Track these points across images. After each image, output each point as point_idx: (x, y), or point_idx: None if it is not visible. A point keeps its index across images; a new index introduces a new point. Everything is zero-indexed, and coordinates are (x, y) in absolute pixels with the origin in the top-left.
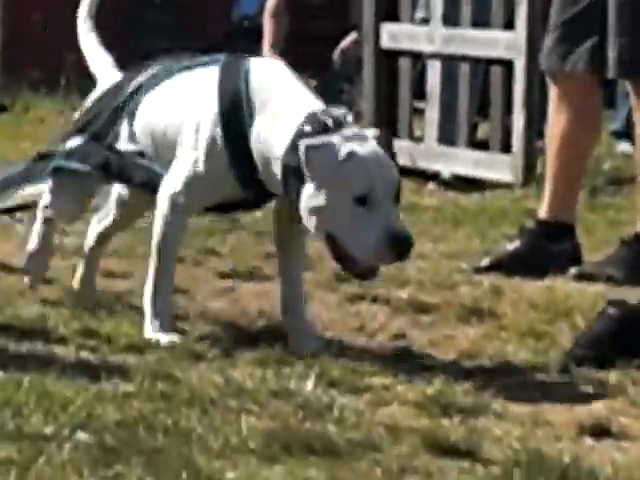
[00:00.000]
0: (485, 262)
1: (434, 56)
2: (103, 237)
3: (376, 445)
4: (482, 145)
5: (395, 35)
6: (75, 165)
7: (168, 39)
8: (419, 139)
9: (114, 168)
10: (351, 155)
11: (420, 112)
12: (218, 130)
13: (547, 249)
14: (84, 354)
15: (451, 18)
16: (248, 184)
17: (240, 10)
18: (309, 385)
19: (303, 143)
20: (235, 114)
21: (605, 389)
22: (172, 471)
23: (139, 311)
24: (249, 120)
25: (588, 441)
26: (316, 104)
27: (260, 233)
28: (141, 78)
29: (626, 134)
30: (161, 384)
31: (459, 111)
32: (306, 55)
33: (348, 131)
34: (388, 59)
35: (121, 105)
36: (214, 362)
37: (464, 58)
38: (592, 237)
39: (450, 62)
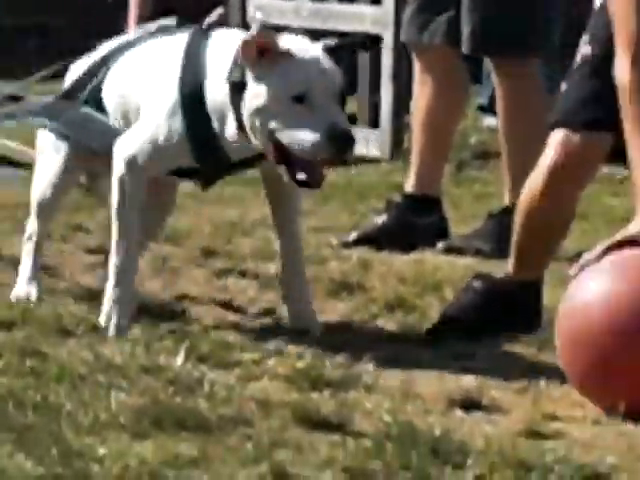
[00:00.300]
0: (353, 236)
1: (301, 30)
2: None
3: (247, 420)
4: (350, 120)
5: (262, 8)
6: (41, 121)
7: None
8: None
9: (76, 126)
10: (290, 56)
11: None
12: (177, 95)
13: (413, 223)
14: None
15: None
16: (203, 150)
17: None
18: (179, 360)
19: (240, 46)
20: (194, 81)
21: (474, 362)
22: (42, 447)
23: (9, 288)
24: (202, 77)
25: (458, 414)
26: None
27: None
28: (113, 45)
29: (491, 109)
30: (30, 360)
31: None
32: None
33: (291, 37)
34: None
35: (92, 70)
36: (83, 338)
37: (331, 33)
38: (459, 211)
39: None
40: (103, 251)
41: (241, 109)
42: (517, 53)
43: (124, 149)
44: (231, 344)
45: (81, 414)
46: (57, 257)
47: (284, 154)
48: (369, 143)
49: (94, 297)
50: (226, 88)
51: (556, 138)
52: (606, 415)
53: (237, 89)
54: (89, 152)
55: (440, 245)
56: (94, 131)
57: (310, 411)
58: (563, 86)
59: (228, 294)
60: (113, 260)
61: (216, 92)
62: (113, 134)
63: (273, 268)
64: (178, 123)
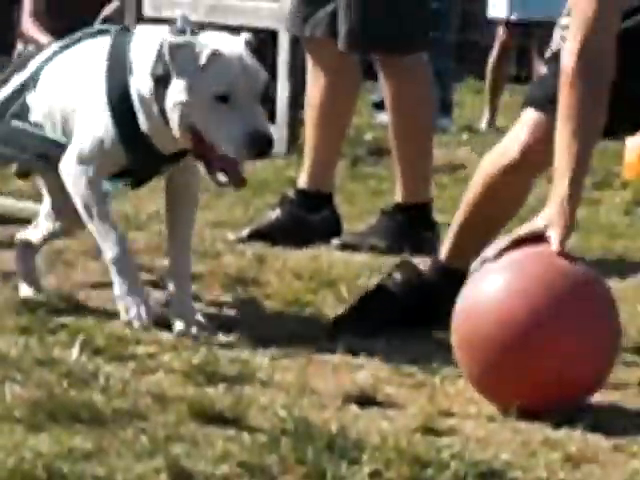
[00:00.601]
0: (247, 231)
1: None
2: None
3: (142, 413)
4: None
5: (158, 3)
6: None
7: None
8: None
9: (8, 137)
10: (214, 54)
11: None
12: (105, 96)
13: (306, 218)
14: None
15: None
16: (134, 147)
17: None
18: (74, 353)
19: (166, 43)
20: (119, 80)
21: (370, 358)
22: None
23: None
24: (128, 73)
25: (354, 409)
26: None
27: None
28: (44, 53)
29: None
30: None
31: None
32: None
33: (214, 34)
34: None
35: (26, 79)
36: None
37: (228, 28)
38: (354, 207)
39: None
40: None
41: (165, 103)
42: (396, 49)
43: (69, 166)
44: (126, 337)
45: None
46: None
47: (204, 150)
48: None
49: None
50: (150, 83)
51: (528, 118)
52: (501, 413)
53: (161, 83)
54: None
55: (335, 241)
56: (29, 144)
57: (205, 406)
58: (543, 69)
59: None
60: (108, 261)
61: (141, 88)
62: (49, 144)
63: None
64: (108, 124)
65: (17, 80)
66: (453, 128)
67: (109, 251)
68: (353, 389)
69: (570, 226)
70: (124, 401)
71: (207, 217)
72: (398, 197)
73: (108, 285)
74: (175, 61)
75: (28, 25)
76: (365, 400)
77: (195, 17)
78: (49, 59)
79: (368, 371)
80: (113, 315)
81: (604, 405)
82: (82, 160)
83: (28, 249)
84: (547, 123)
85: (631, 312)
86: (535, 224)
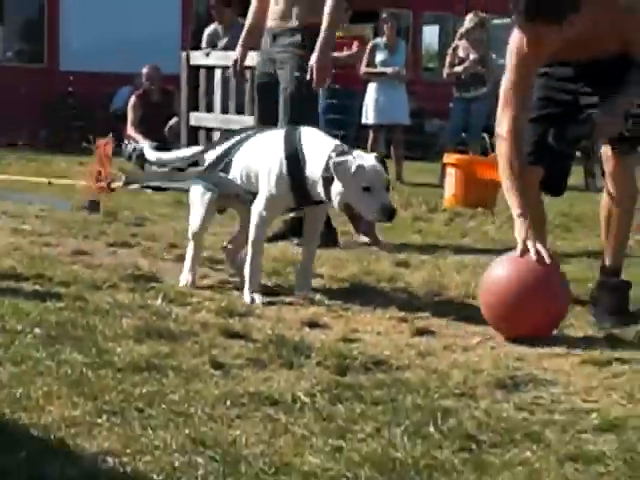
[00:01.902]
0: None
1: None
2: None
3: (195, 332)
4: None
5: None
6: (201, 182)
7: None
8: None
9: (219, 184)
10: (360, 166)
11: None
12: (284, 169)
13: None
14: None
15: None
16: (301, 199)
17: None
18: (158, 301)
19: (332, 161)
20: (294, 159)
21: (317, 304)
22: None
23: None
24: (302, 161)
25: (307, 330)
26: (335, 141)
27: None
28: (237, 137)
29: None
30: None
31: None
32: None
33: (359, 153)
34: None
35: (228, 150)
36: None
37: None
38: None
39: None
40: None
41: (330, 192)
42: None
43: (257, 208)
44: (185, 293)
45: None
46: None
47: (354, 217)
48: None
49: None
50: (319, 175)
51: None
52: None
53: (328, 180)
54: (225, 197)
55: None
56: (228, 185)
57: (228, 328)
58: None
59: None
60: (249, 256)
61: (311, 172)
62: (238, 187)
63: None
64: (286, 184)
65: (223, 148)
66: None
67: (250, 266)
68: (306, 318)
69: (525, 238)
70: (185, 326)
71: None
72: None
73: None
74: (337, 172)
75: (130, 131)
76: (313, 324)
77: None
78: (244, 139)
79: (313, 309)
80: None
81: None
82: (265, 206)
83: (232, 253)
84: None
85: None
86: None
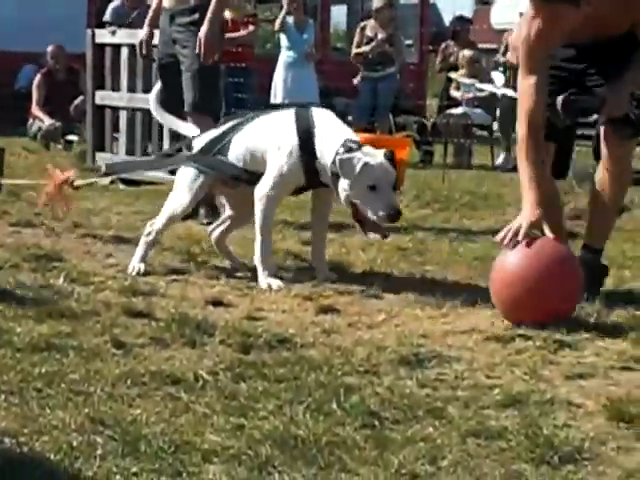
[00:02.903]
0: None
1: None
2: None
3: (97, 312)
4: None
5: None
6: (194, 165)
7: None
8: None
9: (216, 167)
10: (366, 164)
11: None
12: (296, 146)
13: None
14: None
15: None
16: (311, 179)
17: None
18: (60, 281)
19: (338, 157)
20: (307, 137)
21: (223, 281)
22: None
23: None
24: (314, 143)
25: (211, 308)
26: (348, 133)
27: None
28: (237, 119)
29: None
30: None
31: None
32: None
33: (367, 150)
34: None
35: (223, 133)
36: None
37: None
38: None
39: None
40: None
41: (338, 186)
42: None
43: (262, 190)
44: (89, 273)
45: None
46: None
47: (360, 216)
48: None
49: None
50: (328, 161)
51: None
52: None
53: (336, 176)
54: (220, 181)
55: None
56: (226, 168)
57: (132, 307)
58: None
59: None
60: (259, 242)
61: (322, 157)
62: (238, 169)
63: None
64: (299, 163)
65: (218, 131)
66: None
67: (260, 251)
68: (210, 297)
69: (536, 221)
70: (87, 306)
71: None
72: None
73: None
74: (343, 169)
75: (35, 110)
76: (217, 303)
77: None
78: (245, 121)
79: (218, 287)
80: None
81: None
82: (273, 187)
83: (221, 239)
84: None
85: None
86: (517, 220)
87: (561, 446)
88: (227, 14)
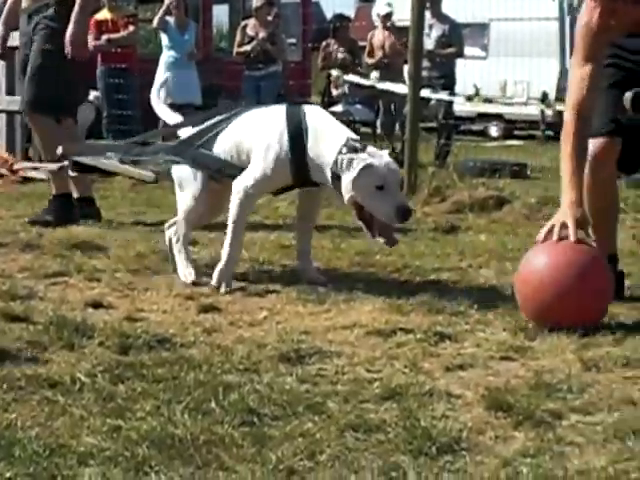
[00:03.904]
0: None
1: None
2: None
3: None
4: None
5: None
6: (175, 158)
7: None
8: None
9: (198, 160)
10: (372, 164)
11: None
12: (286, 146)
13: None
14: None
15: None
16: (299, 179)
17: None
18: None
19: (342, 157)
20: (298, 136)
21: (105, 283)
22: None
23: None
24: (305, 141)
25: (90, 310)
26: (348, 132)
27: None
28: (225, 114)
29: None
30: None
31: None
32: None
33: (372, 150)
34: None
35: (207, 128)
36: None
37: None
38: None
39: None
40: None
41: (340, 188)
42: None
43: (241, 184)
44: None
45: None
46: None
47: (365, 218)
48: None
49: None
50: (324, 161)
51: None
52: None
53: (338, 177)
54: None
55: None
56: (210, 161)
57: (9, 311)
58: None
59: None
60: (228, 237)
61: (317, 153)
62: (222, 162)
63: None
64: (287, 160)
65: (205, 124)
66: None
67: (230, 247)
68: (90, 299)
69: (580, 219)
70: None
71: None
72: None
73: None
74: (349, 170)
75: None
76: (97, 305)
77: None
78: (233, 115)
79: (99, 289)
80: None
81: None
82: (255, 184)
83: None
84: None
85: None
86: (557, 219)
87: (439, 437)
88: (107, 15)
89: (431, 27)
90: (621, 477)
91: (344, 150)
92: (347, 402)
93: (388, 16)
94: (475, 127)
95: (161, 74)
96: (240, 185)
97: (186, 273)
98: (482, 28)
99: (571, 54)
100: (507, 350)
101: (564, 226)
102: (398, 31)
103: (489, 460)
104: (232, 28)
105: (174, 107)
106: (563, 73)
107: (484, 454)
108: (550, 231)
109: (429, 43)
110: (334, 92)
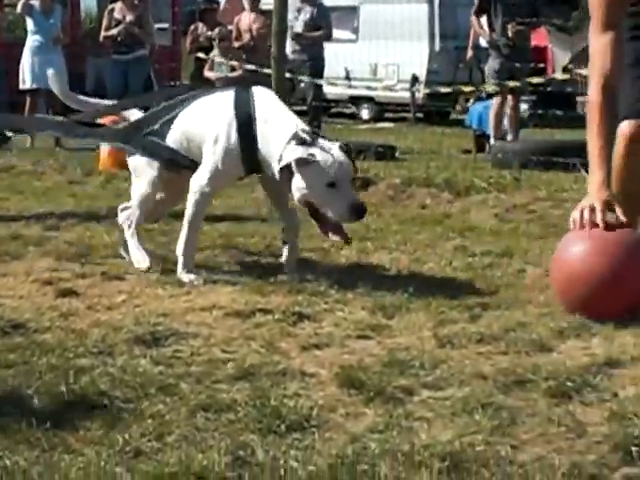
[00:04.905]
0: None
1: None
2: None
3: None
4: None
5: None
6: (120, 145)
7: None
8: None
9: (147, 148)
10: (323, 160)
11: None
12: (235, 136)
13: None
14: None
15: None
16: (252, 169)
17: None
18: None
19: (290, 151)
20: (246, 123)
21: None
22: None
23: None
24: (255, 131)
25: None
26: (297, 121)
27: None
28: (177, 99)
29: None
30: None
31: None
32: None
33: (322, 143)
34: None
35: (158, 113)
36: None
37: None
38: None
39: None
40: None
41: (290, 185)
42: None
43: (199, 180)
44: None
45: None
46: None
47: (318, 216)
48: None
49: None
50: (272, 150)
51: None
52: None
53: (286, 172)
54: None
55: None
56: (161, 151)
57: None
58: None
59: None
60: (184, 234)
61: (266, 143)
62: (174, 152)
63: None
64: (238, 154)
65: (157, 107)
66: None
67: (184, 244)
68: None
69: (608, 201)
70: None
71: None
72: None
73: None
74: (297, 165)
75: None
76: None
77: None
78: (184, 101)
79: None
80: None
81: None
82: (209, 182)
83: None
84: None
85: None
86: (585, 203)
87: (289, 415)
88: None
89: (299, 10)
90: (467, 450)
91: (292, 143)
92: (200, 383)
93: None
94: (347, 110)
95: (26, 58)
96: (196, 184)
97: (139, 259)
98: (352, 11)
99: (441, 37)
100: (364, 329)
101: (593, 210)
102: (264, 14)
103: (338, 436)
104: (100, 12)
105: (39, 92)
106: (432, 56)
107: (333, 431)
108: (581, 216)
109: (298, 26)
110: (207, 74)
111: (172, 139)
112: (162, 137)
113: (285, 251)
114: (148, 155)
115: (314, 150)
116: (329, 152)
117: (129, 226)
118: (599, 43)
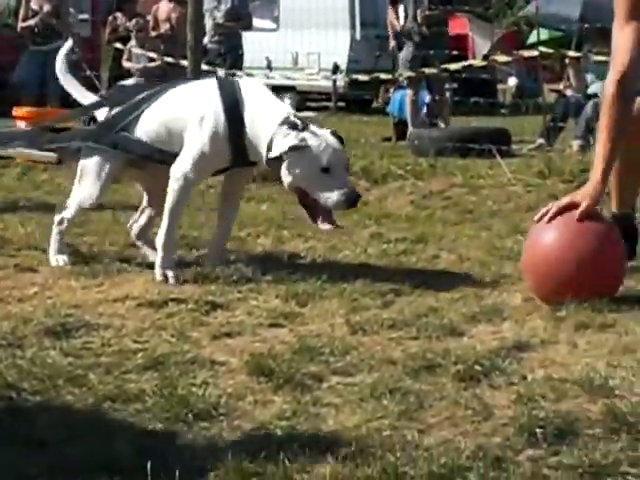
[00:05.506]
0: None
1: None
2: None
3: None
4: None
5: None
6: (92, 145)
7: None
8: None
9: (121, 145)
10: (316, 145)
11: None
12: (222, 120)
13: None
14: None
15: None
16: (237, 157)
17: None
18: None
19: (281, 136)
20: (234, 109)
21: None
22: None
23: None
24: (242, 115)
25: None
26: (287, 107)
27: None
28: (148, 90)
29: None
30: None
31: None
32: None
33: (314, 129)
34: None
35: (127, 108)
36: None
37: None
38: None
39: None
40: None
41: (279, 171)
42: None
43: (180, 170)
44: None
45: None
46: None
47: (308, 202)
48: None
49: None
50: (260, 136)
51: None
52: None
53: (276, 157)
54: (125, 166)
55: None
56: (134, 146)
57: None
58: None
59: None
60: (164, 226)
61: (253, 129)
62: (149, 147)
63: None
64: (225, 141)
65: (124, 104)
66: None
67: (164, 237)
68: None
69: (599, 199)
70: None
71: None
72: None
73: None
74: (289, 151)
75: None
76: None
77: None
78: (157, 92)
79: None
80: None
81: None
82: (193, 168)
83: (142, 233)
84: None
85: None
86: (575, 196)
87: (197, 404)
88: None
89: (220, 0)
90: (373, 435)
91: (283, 128)
92: (109, 373)
93: None
94: None
95: None
96: (178, 170)
97: (57, 258)
98: (272, 0)
99: (362, 25)
100: (277, 317)
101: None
102: (183, 4)
103: (245, 424)
104: (18, 2)
105: None
106: (353, 44)
107: (242, 419)
108: (566, 207)
109: (219, 17)
110: (126, 65)
111: (148, 132)
112: (135, 132)
113: (214, 239)
114: (122, 152)
115: (306, 135)
116: (322, 137)
117: (59, 223)
118: (621, 36)
